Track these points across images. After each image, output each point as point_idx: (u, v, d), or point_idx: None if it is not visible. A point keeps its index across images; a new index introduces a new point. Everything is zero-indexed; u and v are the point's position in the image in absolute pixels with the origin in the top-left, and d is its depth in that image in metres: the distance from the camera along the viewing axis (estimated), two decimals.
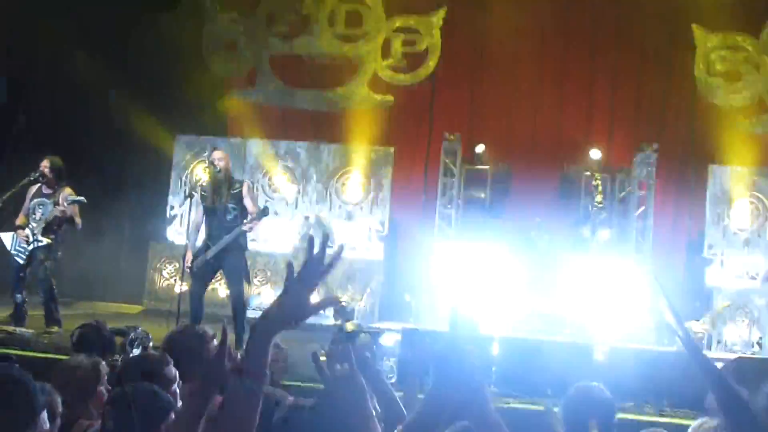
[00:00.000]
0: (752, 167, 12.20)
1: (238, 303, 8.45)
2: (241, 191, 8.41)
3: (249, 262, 9.22)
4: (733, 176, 12.11)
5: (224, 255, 8.34)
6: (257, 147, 13.10)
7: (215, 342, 3.64)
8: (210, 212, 8.38)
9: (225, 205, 8.29)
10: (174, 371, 3.56)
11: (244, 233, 8.39)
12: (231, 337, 7.93)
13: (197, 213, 8.53)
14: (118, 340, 5.28)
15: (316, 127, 14.33)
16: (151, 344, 5.26)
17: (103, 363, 4.09)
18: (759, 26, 13.67)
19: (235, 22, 14.49)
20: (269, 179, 13.00)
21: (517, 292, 12.63)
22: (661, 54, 14.30)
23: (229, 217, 8.30)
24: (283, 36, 14.47)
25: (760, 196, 12.12)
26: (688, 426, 3.62)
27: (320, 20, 14.38)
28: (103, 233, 12.33)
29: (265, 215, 8.62)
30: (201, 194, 8.48)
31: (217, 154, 8.58)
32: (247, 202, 8.39)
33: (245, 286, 8.62)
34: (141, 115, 12.62)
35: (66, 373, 3.90)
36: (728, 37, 13.75)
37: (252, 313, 9.15)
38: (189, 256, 8.40)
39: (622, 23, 14.49)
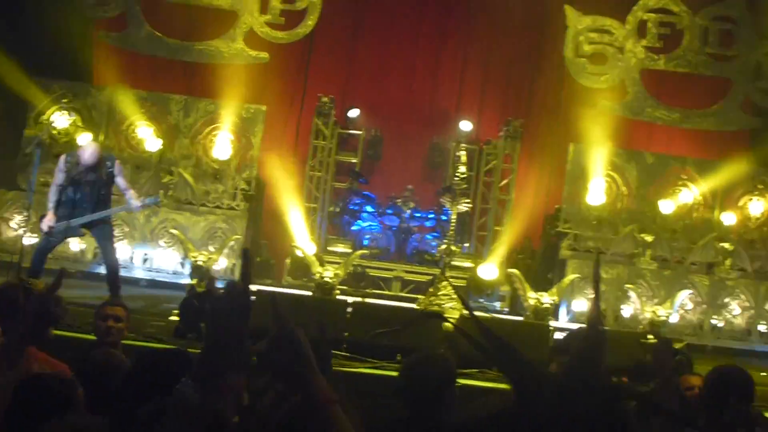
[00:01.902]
0: (610, 147, 12.69)
1: (113, 264, 8.41)
2: (113, 170, 8.40)
3: None
4: (591, 155, 12.56)
5: (93, 225, 8.37)
6: (122, 97, 12.53)
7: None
8: (80, 183, 8.29)
9: (98, 179, 8.31)
10: None
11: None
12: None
13: (59, 176, 8.34)
14: None
15: (187, 79, 13.89)
16: None
17: None
18: (626, 11, 14.21)
19: None
20: (132, 131, 12.50)
21: (384, 259, 12.84)
22: (534, 32, 14.67)
23: (102, 192, 8.37)
24: None
25: (615, 175, 12.67)
26: None
27: None
28: None
29: (157, 203, 9.29)
30: (68, 162, 8.24)
31: (89, 154, 8.32)
32: (119, 180, 8.46)
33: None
34: None
35: None
36: (598, 20, 14.23)
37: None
38: (50, 218, 8.20)
39: (495, 1, 14.72)
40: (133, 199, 8.45)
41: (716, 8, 14.23)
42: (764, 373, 8.45)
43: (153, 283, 11.63)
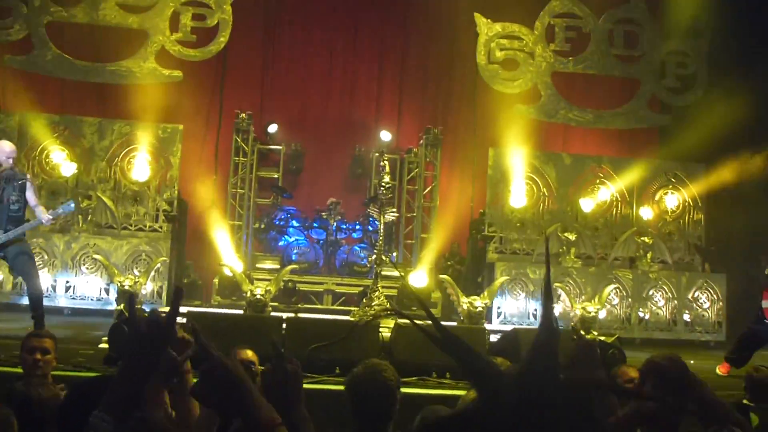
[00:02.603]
0: (528, 150, 12.93)
1: (35, 291, 8.12)
2: (25, 184, 8.13)
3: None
4: (511, 158, 12.76)
5: (9, 245, 8.05)
6: (33, 121, 12.11)
7: None
8: None
9: (10, 196, 8.03)
10: None
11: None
12: None
13: None
14: None
15: (100, 101, 13.56)
16: None
17: None
18: (534, 17, 14.55)
19: None
20: (46, 156, 12.10)
21: (313, 273, 12.76)
22: (447, 41, 14.86)
23: (13, 207, 8.07)
24: (61, 2, 13.53)
25: (535, 177, 12.91)
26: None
27: None
28: None
29: (71, 210, 8.83)
30: None
31: (8, 148, 8.06)
32: (30, 195, 8.17)
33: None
34: None
35: None
36: (507, 26, 14.53)
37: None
38: None
39: (410, 10, 14.89)
40: (43, 212, 8.16)
41: (619, 11, 14.73)
42: (693, 361, 8.71)
43: (78, 311, 11.27)
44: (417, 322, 1.67)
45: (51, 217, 8.22)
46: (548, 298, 1.49)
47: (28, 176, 8.34)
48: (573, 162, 13.18)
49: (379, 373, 3.78)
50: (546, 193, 12.89)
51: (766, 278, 8.47)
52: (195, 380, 1.78)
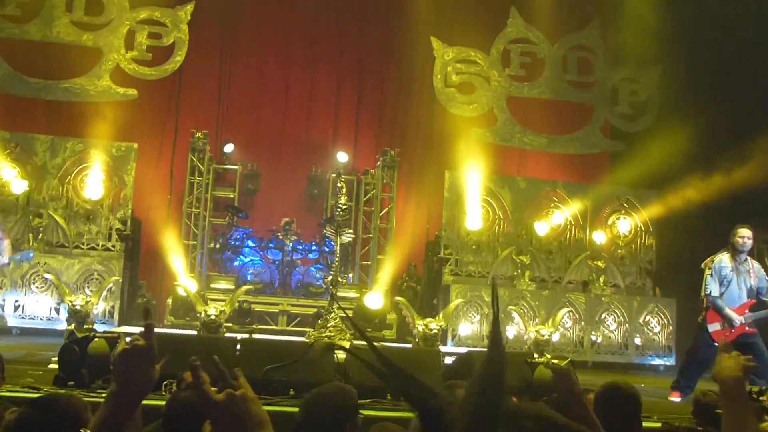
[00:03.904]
0: (484, 173, 13.03)
1: None
2: None
3: None
4: (467, 181, 12.85)
5: None
6: None
7: None
8: None
9: None
10: None
11: None
12: None
13: None
14: None
15: (52, 118, 13.36)
16: None
17: None
18: (489, 42, 14.74)
19: None
20: None
21: (268, 293, 12.67)
22: (404, 64, 14.97)
23: None
24: (13, 18, 13.34)
25: (491, 200, 13.02)
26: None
27: (56, 4, 13.45)
28: None
29: (29, 259, 9.40)
30: None
31: None
32: None
33: None
34: None
35: None
36: (462, 50, 14.70)
37: None
38: None
39: (366, 33, 14.99)
40: (5, 251, 8.05)
41: (573, 37, 15.01)
42: (643, 384, 8.82)
43: (27, 331, 11.03)
44: (369, 344, 1.66)
45: (7, 261, 8.15)
46: (495, 324, 1.49)
47: None
48: (528, 186, 13.33)
49: (336, 391, 3.75)
50: (501, 216, 13.01)
51: (703, 301, 8.62)
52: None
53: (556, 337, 10.70)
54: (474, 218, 12.66)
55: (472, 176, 12.86)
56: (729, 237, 8.53)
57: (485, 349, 1.43)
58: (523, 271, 12.48)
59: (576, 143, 14.89)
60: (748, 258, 8.54)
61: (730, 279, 8.43)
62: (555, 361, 7.90)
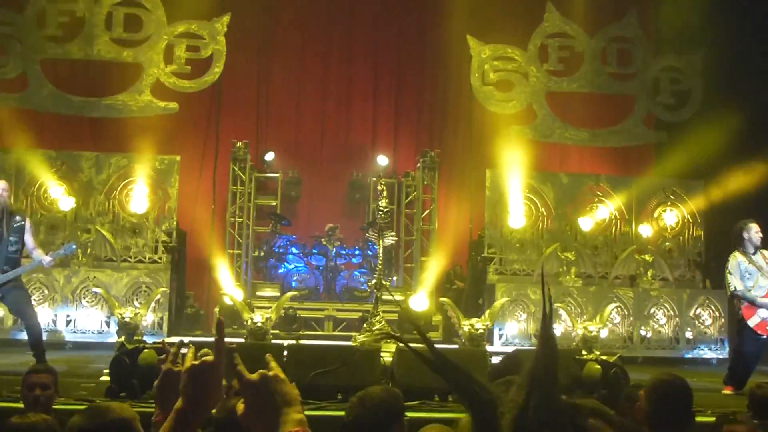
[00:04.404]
0: (525, 170, 12.93)
1: (35, 327, 8.20)
2: (23, 225, 8.22)
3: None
4: (508, 179, 12.77)
5: (7, 286, 8.12)
6: (30, 157, 12.16)
7: None
8: None
9: (8, 237, 8.10)
10: None
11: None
12: None
13: None
14: None
15: (96, 135, 13.62)
16: None
17: None
18: (526, 39, 14.62)
19: (1, 23, 13.45)
20: (44, 192, 12.13)
21: (314, 299, 12.74)
22: (440, 64, 14.95)
23: (11, 248, 8.14)
24: (55, 39, 13.63)
25: (534, 197, 12.91)
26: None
27: (96, 23, 13.70)
28: None
29: (72, 252, 9.15)
30: None
31: (2, 184, 8.13)
32: (28, 238, 8.28)
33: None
34: None
35: None
36: (499, 48, 14.61)
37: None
38: None
39: (402, 35, 15.01)
40: (42, 255, 8.19)
41: (611, 29, 14.81)
42: (695, 379, 8.67)
43: (79, 345, 11.25)
44: (412, 345, 1.66)
45: (51, 258, 8.31)
46: (547, 318, 1.47)
47: (27, 219, 8.35)
48: (570, 181, 13.18)
49: (382, 394, 3.74)
50: (544, 213, 12.89)
51: (732, 297, 8.52)
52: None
53: (604, 333, 10.54)
54: (517, 216, 12.56)
55: (514, 174, 12.77)
56: (739, 233, 8.42)
57: (532, 348, 1.41)
58: (569, 268, 12.34)
59: (618, 136, 14.69)
60: (759, 251, 8.42)
61: (752, 272, 8.32)
62: (604, 357, 7.82)
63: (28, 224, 8.23)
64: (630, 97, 14.76)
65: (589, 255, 12.66)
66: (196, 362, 1.88)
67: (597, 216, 12.88)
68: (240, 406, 1.78)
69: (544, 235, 12.81)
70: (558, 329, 11.38)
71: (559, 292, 11.95)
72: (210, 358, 1.88)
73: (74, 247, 8.97)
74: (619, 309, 12.04)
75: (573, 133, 14.63)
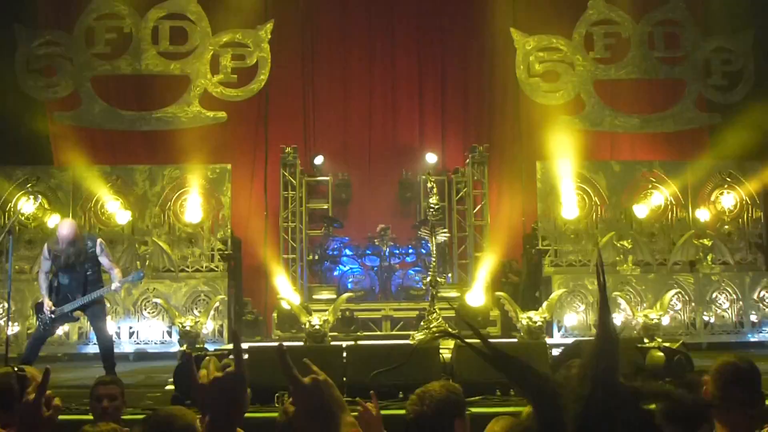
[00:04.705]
0: (576, 160, 12.79)
1: (106, 341, 8.43)
2: (95, 250, 8.38)
3: None
4: (559, 170, 12.64)
5: (86, 307, 8.37)
6: (86, 174, 12.44)
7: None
8: (67, 269, 8.31)
9: (83, 263, 8.31)
10: None
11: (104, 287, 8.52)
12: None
13: (45, 264, 8.40)
14: None
15: (148, 148, 13.88)
16: None
17: None
18: (570, 28, 14.46)
19: (51, 44, 13.79)
20: (101, 207, 12.41)
21: (370, 300, 12.77)
22: (485, 58, 14.87)
23: (88, 273, 8.37)
24: (104, 56, 13.92)
25: (586, 187, 12.76)
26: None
27: (143, 38, 13.96)
28: None
29: (139, 279, 9.48)
30: (54, 255, 8.29)
31: (65, 231, 8.27)
32: (103, 259, 8.46)
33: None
34: None
35: None
36: (543, 39, 14.47)
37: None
38: (48, 304, 8.23)
39: (446, 32, 14.97)
40: (117, 277, 8.38)
41: (658, 13, 14.56)
42: (763, 363, 8.48)
43: (142, 356, 11.47)
44: (468, 341, 1.65)
45: (120, 285, 8.52)
46: (604, 305, 1.45)
47: (98, 241, 8.50)
48: (623, 169, 12.99)
49: (443, 390, 3.73)
50: (598, 202, 12.73)
51: None
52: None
53: (666, 321, 10.39)
54: (570, 207, 12.44)
55: (564, 164, 12.64)
56: None
57: (593, 338, 1.40)
58: (626, 256, 12.17)
59: (670, 120, 14.43)
60: None
61: None
62: (666, 344, 7.70)
63: (99, 248, 8.39)
64: (680, 80, 14.49)
65: (645, 242, 12.47)
66: (220, 374, 1.90)
67: (652, 202, 12.68)
68: (290, 408, 1.81)
69: (598, 225, 12.66)
70: (617, 318, 11.23)
71: (617, 281, 11.79)
72: (233, 368, 1.89)
73: (142, 274, 9.22)
74: (679, 295, 11.85)
75: (623, 120, 14.42)
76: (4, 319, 9.43)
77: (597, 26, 14.54)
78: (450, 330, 9.18)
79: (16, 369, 4.17)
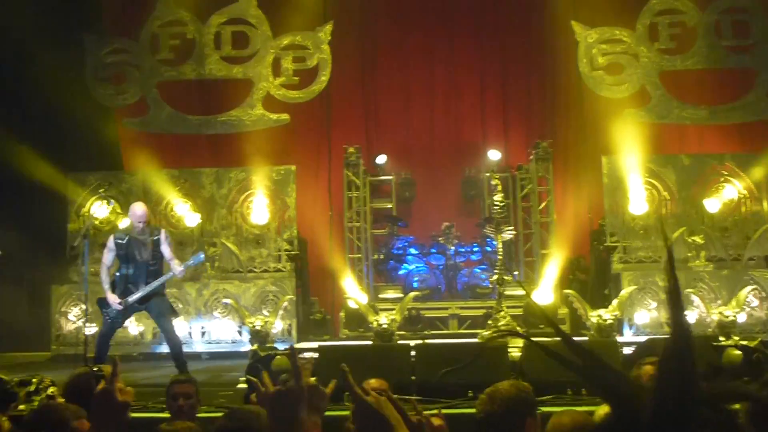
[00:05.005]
0: (643, 154, 12.55)
1: (175, 341, 8.50)
2: (159, 238, 8.50)
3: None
4: (626, 165, 12.43)
5: (149, 299, 8.45)
6: (155, 178, 12.74)
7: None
8: (130, 258, 8.42)
9: (146, 253, 8.42)
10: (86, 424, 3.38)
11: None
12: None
13: (109, 257, 8.52)
14: (22, 390, 5.01)
15: (214, 152, 14.11)
16: (52, 391, 5.02)
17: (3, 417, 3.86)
18: (633, 18, 14.17)
19: (118, 52, 14.12)
20: (170, 210, 12.68)
21: (436, 299, 12.75)
22: (546, 53, 14.69)
23: (151, 263, 8.46)
24: (169, 62, 14.20)
25: (654, 181, 12.52)
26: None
27: (206, 43, 14.18)
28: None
29: (200, 261, 9.38)
30: (117, 242, 8.43)
31: (139, 211, 8.46)
32: (165, 248, 8.53)
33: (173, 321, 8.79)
34: (29, 155, 12.14)
35: None
36: (606, 31, 14.21)
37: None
38: (112, 297, 8.33)
39: (506, 27, 14.85)
40: (177, 265, 8.46)
41: (724, 1, 14.15)
42: None
43: (214, 355, 11.68)
44: (537, 340, 1.63)
45: (182, 269, 8.58)
46: (675, 303, 1.41)
47: (162, 231, 8.64)
48: (692, 162, 12.70)
49: (513, 389, 3.69)
50: (667, 197, 12.48)
51: None
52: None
53: (742, 318, 10.11)
54: (638, 202, 12.22)
55: (631, 159, 12.42)
56: None
57: (666, 336, 1.37)
58: (698, 252, 11.89)
59: (741, 111, 14.02)
60: None
61: None
62: (744, 342, 7.50)
63: (163, 236, 8.50)
64: (750, 70, 14.07)
65: (718, 237, 12.17)
66: (281, 387, 1.92)
67: (724, 196, 12.36)
68: (351, 427, 1.87)
69: (668, 220, 12.38)
70: (691, 316, 10.99)
71: (690, 277, 11.53)
72: (291, 383, 1.91)
73: (202, 256, 9.26)
74: (756, 291, 11.52)
75: (691, 112, 14.07)
76: (83, 320, 9.67)
77: (661, 16, 14.21)
78: (518, 329, 9.10)
79: (95, 369, 4.29)
